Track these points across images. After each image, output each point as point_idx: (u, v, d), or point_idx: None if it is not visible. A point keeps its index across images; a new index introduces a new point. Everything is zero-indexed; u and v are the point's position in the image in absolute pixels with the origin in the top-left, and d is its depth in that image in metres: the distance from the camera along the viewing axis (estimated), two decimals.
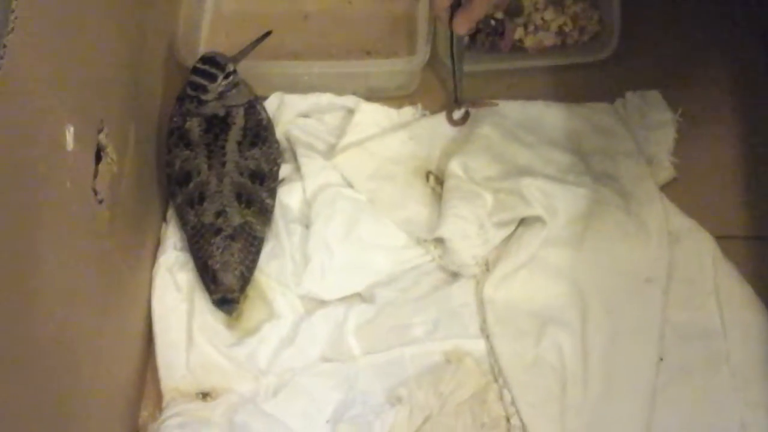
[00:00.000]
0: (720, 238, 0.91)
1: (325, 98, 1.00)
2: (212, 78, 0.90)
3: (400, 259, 0.92)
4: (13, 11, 0.64)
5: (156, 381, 0.89)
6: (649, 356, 0.86)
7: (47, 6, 0.69)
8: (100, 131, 0.76)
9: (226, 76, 0.91)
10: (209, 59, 0.91)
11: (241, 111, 0.92)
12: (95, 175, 0.75)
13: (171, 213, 0.94)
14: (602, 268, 0.90)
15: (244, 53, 0.93)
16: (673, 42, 1.02)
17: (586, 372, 0.86)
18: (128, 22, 0.88)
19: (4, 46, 0.62)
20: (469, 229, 0.91)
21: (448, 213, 0.91)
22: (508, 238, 0.92)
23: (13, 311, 0.63)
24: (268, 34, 0.94)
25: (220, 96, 0.91)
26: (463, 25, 0.89)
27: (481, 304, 0.89)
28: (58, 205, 0.70)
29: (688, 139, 0.97)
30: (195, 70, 0.91)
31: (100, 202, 0.76)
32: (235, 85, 0.92)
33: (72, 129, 0.70)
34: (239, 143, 0.91)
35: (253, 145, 0.91)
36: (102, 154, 0.76)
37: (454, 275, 0.92)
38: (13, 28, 0.63)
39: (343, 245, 0.92)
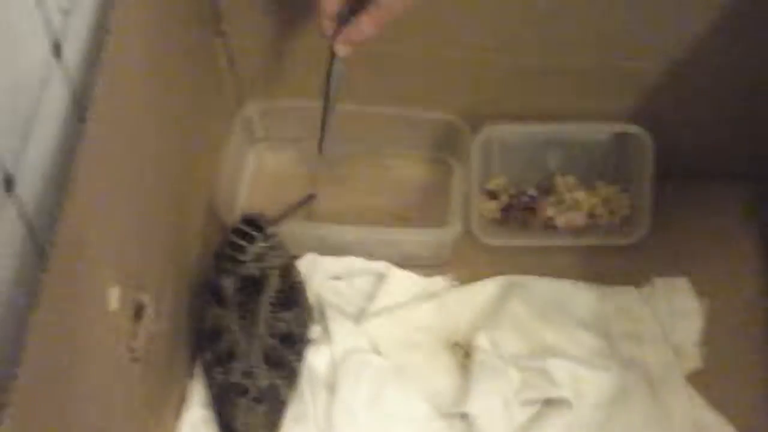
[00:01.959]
0: None
1: (358, 262, 1.02)
2: (251, 239, 0.92)
3: None
4: (73, 179, 0.66)
5: None
6: None
7: (107, 170, 0.72)
8: (140, 290, 0.78)
9: (265, 239, 0.92)
10: (250, 220, 0.93)
11: (277, 273, 0.93)
12: (134, 335, 0.77)
13: (198, 369, 0.95)
14: None
15: (285, 216, 0.95)
16: (703, 229, 1.05)
17: None
18: (175, 181, 0.91)
19: (63, 210, 0.65)
20: (495, 406, 0.91)
21: (475, 388, 0.92)
22: (533, 418, 0.92)
23: None
24: (311, 197, 0.96)
25: (258, 258, 0.93)
26: (345, 47, 0.84)
27: None
28: (94, 364, 0.71)
29: (716, 328, 0.98)
30: (235, 230, 0.93)
31: (136, 360, 0.78)
32: (273, 247, 0.94)
33: (117, 290, 0.72)
34: (272, 305, 0.92)
35: (285, 307, 0.93)
36: (141, 313, 0.78)
37: None
38: (72, 195, 0.66)
39: (368, 414, 0.92)
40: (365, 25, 0.84)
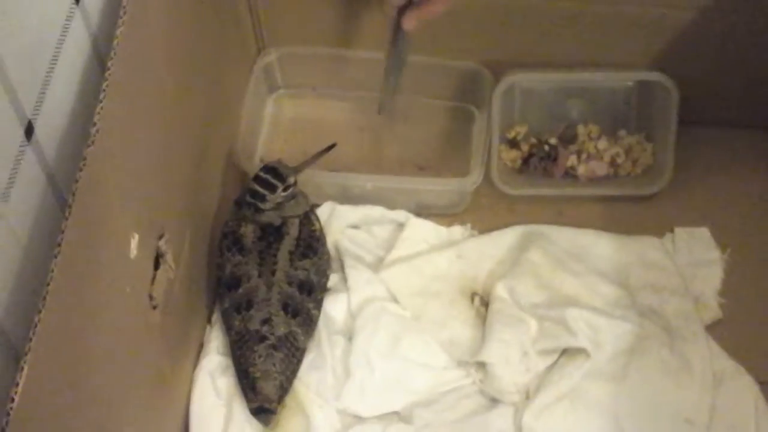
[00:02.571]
0: (763, 384, 0.92)
1: (376, 211, 1.03)
2: (272, 188, 0.92)
3: (441, 381, 0.93)
4: (95, 124, 0.67)
5: None
6: None
7: (125, 121, 0.72)
8: (160, 238, 0.79)
9: (286, 188, 0.93)
10: (271, 169, 0.93)
11: (296, 222, 0.94)
12: (152, 281, 0.77)
13: (216, 316, 0.96)
14: (643, 405, 0.91)
15: (306, 164, 0.95)
16: (725, 179, 1.04)
17: None
18: (196, 132, 0.91)
19: (84, 158, 0.66)
20: (512, 355, 0.92)
21: (492, 337, 0.92)
22: (551, 368, 0.93)
23: (63, 405, 0.65)
24: (332, 146, 0.96)
25: (278, 206, 0.93)
26: (411, 21, 0.90)
27: None
28: (115, 310, 0.72)
29: (736, 279, 0.98)
30: (256, 178, 0.93)
31: (155, 307, 0.79)
32: (294, 196, 0.94)
33: (137, 237, 0.73)
34: (291, 253, 0.93)
35: (304, 256, 0.94)
36: (160, 260, 0.79)
37: (494, 401, 0.92)
38: (93, 141, 0.66)
39: (385, 362, 0.93)
40: (439, 4, 0.89)
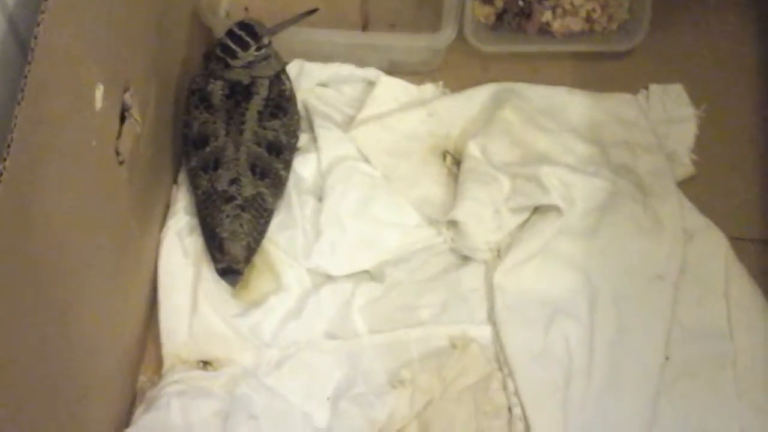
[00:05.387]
0: (734, 239, 0.95)
1: (346, 69, 1.03)
2: (245, 46, 0.92)
3: (412, 239, 0.95)
4: None
5: (157, 347, 0.92)
6: (655, 354, 0.90)
7: None
8: (125, 91, 0.79)
9: (259, 48, 0.92)
10: (246, 26, 0.93)
11: (266, 82, 0.94)
12: (119, 136, 0.78)
13: (183, 176, 0.97)
14: (615, 261, 0.94)
15: (283, 26, 0.95)
16: (700, 36, 1.05)
17: (592, 365, 0.89)
18: None
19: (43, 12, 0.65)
20: (484, 213, 0.94)
21: (463, 195, 0.94)
22: (522, 225, 0.95)
23: (27, 262, 0.66)
24: (313, 11, 0.95)
25: (249, 65, 0.93)
26: None
27: (490, 290, 0.93)
28: (81, 164, 0.73)
29: (709, 136, 1.00)
30: (230, 33, 0.93)
31: (121, 163, 0.79)
32: (266, 57, 0.94)
33: (102, 88, 0.73)
34: (260, 113, 0.93)
35: (273, 116, 0.94)
36: (126, 114, 0.79)
37: (465, 259, 0.95)
38: None
39: (356, 221, 0.95)
40: None
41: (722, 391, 0.88)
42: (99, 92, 0.72)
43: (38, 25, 0.64)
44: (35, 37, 0.63)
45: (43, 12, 0.64)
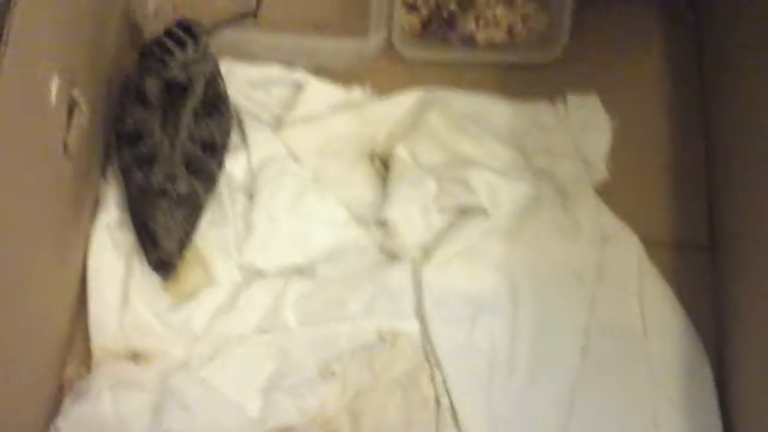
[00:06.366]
0: (646, 241, 1.00)
1: (275, 70, 1.05)
2: (183, 46, 0.93)
3: (342, 237, 0.98)
4: None
5: (85, 339, 0.93)
6: (572, 347, 0.95)
7: None
8: (73, 85, 0.79)
9: (197, 48, 0.94)
10: (186, 26, 0.93)
11: (202, 81, 0.95)
12: (67, 128, 0.78)
13: (113, 170, 0.97)
14: (536, 261, 0.98)
15: (222, 26, 0.96)
16: (618, 50, 1.11)
17: (514, 359, 0.94)
18: None
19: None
20: (413, 213, 0.97)
21: (393, 195, 0.98)
22: (450, 225, 0.99)
23: None
24: (254, 13, 0.98)
25: (186, 64, 0.94)
26: None
27: (418, 287, 0.96)
28: (31, 158, 0.73)
29: (622, 143, 1.05)
30: (168, 33, 0.93)
31: (67, 156, 0.80)
32: (203, 57, 0.95)
33: (57, 82, 0.73)
34: (196, 112, 0.95)
35: (209, 115, 0.96)
36: (74, 108, 0.79)
37: (394, 256, 0.98)
38: None
39: (287, 218, 0.97)
40: None
41: (637, 383, 0.94)
42: (54, 86, 0.73)
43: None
44: (7, 32, 0.64)
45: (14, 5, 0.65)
